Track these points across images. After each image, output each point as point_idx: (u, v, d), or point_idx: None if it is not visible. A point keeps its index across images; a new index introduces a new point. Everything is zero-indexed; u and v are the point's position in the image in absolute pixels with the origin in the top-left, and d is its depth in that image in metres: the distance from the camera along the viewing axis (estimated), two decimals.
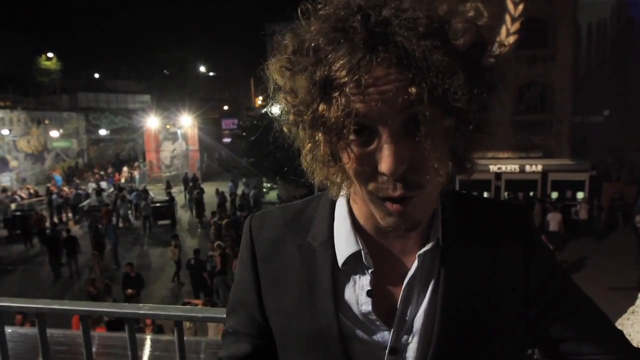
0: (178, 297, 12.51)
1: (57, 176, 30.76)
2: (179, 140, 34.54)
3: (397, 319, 0.77)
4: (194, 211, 21.15)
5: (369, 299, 0.77)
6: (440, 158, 0.66)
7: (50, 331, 2.03)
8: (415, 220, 0.71)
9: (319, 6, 0.67)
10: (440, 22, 0.63)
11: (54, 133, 36.05)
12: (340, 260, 0.79)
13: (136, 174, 32.20)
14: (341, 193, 0.79)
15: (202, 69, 51.24)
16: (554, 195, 20.60)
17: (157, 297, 12.59)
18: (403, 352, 0.77)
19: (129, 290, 11.01)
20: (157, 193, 24.44)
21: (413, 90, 0.61)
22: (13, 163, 32.11)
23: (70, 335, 3.68)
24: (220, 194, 20.98)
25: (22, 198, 24.03)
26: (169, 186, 25.12)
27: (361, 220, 0.81)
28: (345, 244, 0.79)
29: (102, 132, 41.82)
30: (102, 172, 33.63)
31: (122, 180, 30.18)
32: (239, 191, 23.69)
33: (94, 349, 3.16)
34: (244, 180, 26.14)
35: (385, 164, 0.64)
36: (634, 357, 0.82)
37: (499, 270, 0.79)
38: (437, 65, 0.60)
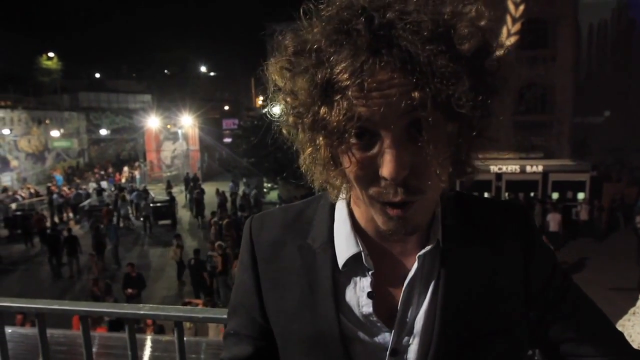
0: (179, 297, 12.51)
1: (58, 176, 30.78)
2: (180, 140, 34.54)
3: (398, 320, 0.76)
4: (194, 211, 21.15)
5: (370, 301, 0.77)
6: (442, 163, 0.65)
7: (50, 331, 2.03)
8: (415, 224, 0.70)
9: (322, 7, 0.67)
10: (445, 26, 0.62)
11: (55, 133, 36.07)
12: (341, 262, 0.79)
13: (137, 173, 32.21)
14: (341, 196, 0.79)
15: (203, 68, 51.34)
16: (555, 195, 20.57)
17: (157, 297, 12.59)
18: (404, 354, 0.76)
19: (129, 290, 11.01)
20: (157, 193, 24.43)
21: (416, 95, 0.60)
22: (14, 163, 32.13)
23: (71, 335, 3.68)
24: (220, 194, 20.98)
25: (22, 198, 24.04)
26: (169, 186, 25.13)
27: (362, 222, 0.80)
28: (345, 245, 0.79)
29: (103, 131, 41.85)
30: (102, 172, 33.64)
31: (123, 180, 30.19)
32: (240, 191, 23.69)
33: (94, 350, 3.16)
34: (244, 180, 26.15)
35: (386, 168, 0.63)
36: (633, 359, 0.81)
37: (500, 271, 0.79)
38: (441, 71, 0.60)
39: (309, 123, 0.68)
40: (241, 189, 24.64)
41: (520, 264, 0.80)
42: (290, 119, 0.72)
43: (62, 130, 37.07)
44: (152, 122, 33.15)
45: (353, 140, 0.65)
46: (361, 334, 0.77)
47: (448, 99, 0.61)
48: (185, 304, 9.39)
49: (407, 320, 0.77)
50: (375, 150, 0.65)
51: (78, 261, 14.40)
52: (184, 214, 22.54)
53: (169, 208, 20.48)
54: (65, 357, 3.21)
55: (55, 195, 21.93)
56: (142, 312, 1.82)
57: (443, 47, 0.60)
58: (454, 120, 0.64)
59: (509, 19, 20.19)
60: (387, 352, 0.77)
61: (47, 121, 35.58)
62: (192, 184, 24.99)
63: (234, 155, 29.35)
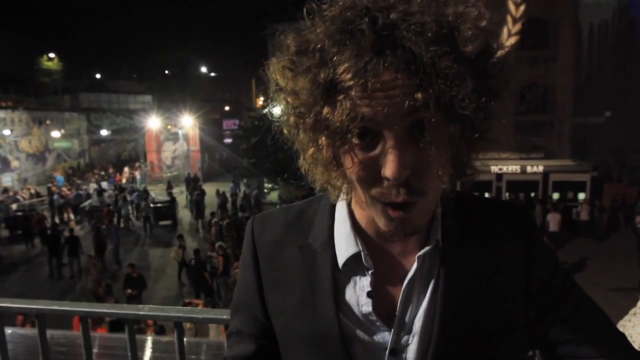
0: (179, 297, 12.51)
1: (59, 176, 30.81)
2: (180, 141, 34.57)
3: (397, 319, 0.77)
4: (194, 213, 21.16)
5: (369, 300, 0.77)
6: (443, 165, 0.66)
7: (50, 332, 2.03)
8: (415, 225, 0.71)
9: (324, 7, 0.67)
10: (449, 27, 0.62)
11: (56, 133, 36.10)
12: (341, 262, 0.79)
13: (137, 174, 32.26)
14: (341, 197, 0.79)
15: (204, 69, 51.34)
16: (555, 196, 20.57)
17: (158, 297, 12.61)
18: (403, 353, 0.77)
19: (129, 290, 11.01)
20: (158, 193, 24.45)
21: (419, 96, 0.60)
22: (14, 163, 32.15)
23: (71, 336, 3.68)
24: (221, 195, 20.99)
25: (23, 198, 24.05)
26: (170, 186, 25.14)
27: (362, 223, 0.81)
28: (345, 245, 0.80)
29: (104, 132, 41.89)
30: (103, 173, 33.67)
31: (124, 181, 30.24)
32: (241, 192, 23.70)
33: (94, 350, 3.16)
34: (245, 180, 26.16)
35: (389, 169, 0.64)
36: None
37: (500, 271, 0.79)
38: (445, 72, 0.60)
39: (310, 123, 0.68)
40: (242, 189, 24.64)
41: (520, 264, 0.80)
42: (292, 119, 0.72)
43: (62, 131, 37.10)
44: (153, 122, 33.19)
45: (355, 141, 0.65)
46: (361, 333, 0.78)
47: (451, 100, 0.61)
48: (185, 304, 9.40)
49: (407, 319, 0.77)
50: (377, 150, 0.65)
51: (79, 262, 14.42)
52: (184, 215, 22.55)
53: (169, 209, 20.50)
54: (65, 358, 3.20)
55: (55, 196, 21.94)
56: (141, 312, 1.82)
57: (447, 49, 0.61)
58: (456, 121, 0.64)
59: (509, 19, 20.19)
60: (387, 352, 0.77)
61: (48, 122, 35.62)
62: (192, 185, 25.00)
63: (235, 156, 29.38)
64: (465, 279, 0.77)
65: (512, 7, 20.31)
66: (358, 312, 0.78)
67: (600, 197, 19.70)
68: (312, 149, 0.72)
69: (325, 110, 0.65)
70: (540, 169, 21.21)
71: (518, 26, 20.26)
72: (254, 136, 22.72)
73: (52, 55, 43.34)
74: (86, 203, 21.82)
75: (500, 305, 0.78)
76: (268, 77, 0.73)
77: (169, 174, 32.53)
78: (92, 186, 26.74)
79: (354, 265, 0.79)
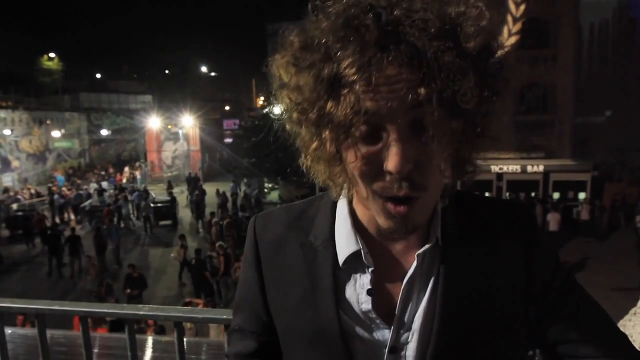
0: (179, 297, 12.51)
1: (59, 176, 30.84)
2: (181, 141, 34.60)
3: (397, 317, 0.77)
4: (194, 213, 21.16)
5: (369, 298, 0.77)
6: (445, 159, 0.66)
7: (50, 332, 2.02)
8: (415, 223, 0.71)
9: (329, 3, 0.67)
10: (451, 24, 0.63)
11: (56, 133, 36.13)
12: (341, 259, 0.80)
13: (138, 174, 32.27)
14: (342, 194, 0.79)
15: (204, 69, 51.34)
16: (556, 195, 20.59)
17: (158, 297, 12.61)
18: (403, 351, 0.77)
19: (128, 290, 11.02)
20: (158, 193, 24.44)
21: (423, 90, 0.61)
22: (15, 163, 32.16)
23: (71, 336, 3.68)
24: (221, 195, 20.98)
25: (23, 198, 24.07)
26: (170, 186, 25.15)
27: (363, 221, 0.81)
28: (345, 243, 0.80)
29: (104, 132, 41.92)
30: (103, 172, 33.68)
31: (124, 181, 30.25)
32: (241, 192, 23.70)
33: (94, 350, 3.16)
34: (245, 180, 26.17)
35: (392, 162, 0.64)
36: None
37: (500, 270, 0.79)
38: (448, 67, 0.61)
39: (314, 118, 0.69)
40: (242, 189, 24.64)
41: (521, 263, 0.80)
42: (294, 115, 0.72)
43: (63, 131, 37.12)
44: (153, 122, 33.22)
45: (359, 135, 0.66)
46: (360, 331, 0.78)
47: (453, 95, 0.62)
48: (186, 304, 9.40)
49: (406, 317, 0.77)
50: (380, 144, 0.66)
51: (80, 261, 14.42)
52: (185, 214, 22.56)
53: (169, 208, 20.51)
54: (65, 358, 3.20)
55: (56, 196, 21.97)
56: (141, 312, 1.82)
57: (450, 44, 0.62)
58: (458, 116, 0.64)
59: (509, 19, 20.19)
60: (386, 349, 0.77)
61: (48, 122, 35.64)
62: (193, 185, 25.00)
63: (235, 156, 29.42)
64: (465, 278, 0.77)
65: (512, 6, 20.31)
66: (358, 309, 0.78)
67: (601, 197, 19.70)
68: (315, 144, 0.72)
69: (329, 104, 0.66)
70: (541, 168, 21.22)
71: (518, 26, 20.26)
72: (254, 136, 22.75)
73: (52, 55, 43.28)
74: (86, 203, 21.82)
75: (500, 304, 0.78)
76: (271, 74, 0.73)
77: (169, 174, 32.56)
78: (93, 186, 26.76)
79: (354, 263, 0.79)
